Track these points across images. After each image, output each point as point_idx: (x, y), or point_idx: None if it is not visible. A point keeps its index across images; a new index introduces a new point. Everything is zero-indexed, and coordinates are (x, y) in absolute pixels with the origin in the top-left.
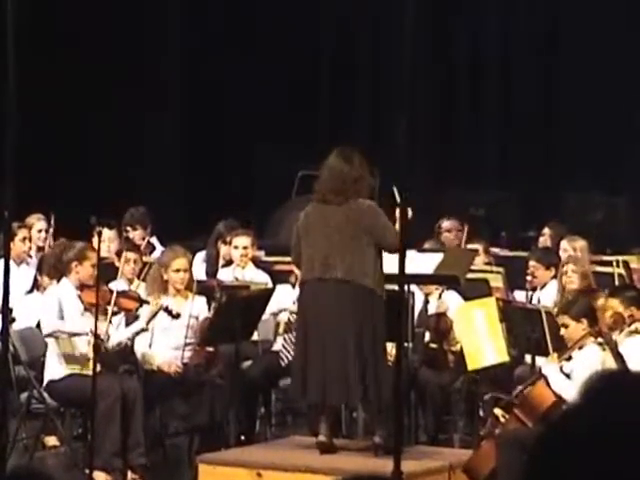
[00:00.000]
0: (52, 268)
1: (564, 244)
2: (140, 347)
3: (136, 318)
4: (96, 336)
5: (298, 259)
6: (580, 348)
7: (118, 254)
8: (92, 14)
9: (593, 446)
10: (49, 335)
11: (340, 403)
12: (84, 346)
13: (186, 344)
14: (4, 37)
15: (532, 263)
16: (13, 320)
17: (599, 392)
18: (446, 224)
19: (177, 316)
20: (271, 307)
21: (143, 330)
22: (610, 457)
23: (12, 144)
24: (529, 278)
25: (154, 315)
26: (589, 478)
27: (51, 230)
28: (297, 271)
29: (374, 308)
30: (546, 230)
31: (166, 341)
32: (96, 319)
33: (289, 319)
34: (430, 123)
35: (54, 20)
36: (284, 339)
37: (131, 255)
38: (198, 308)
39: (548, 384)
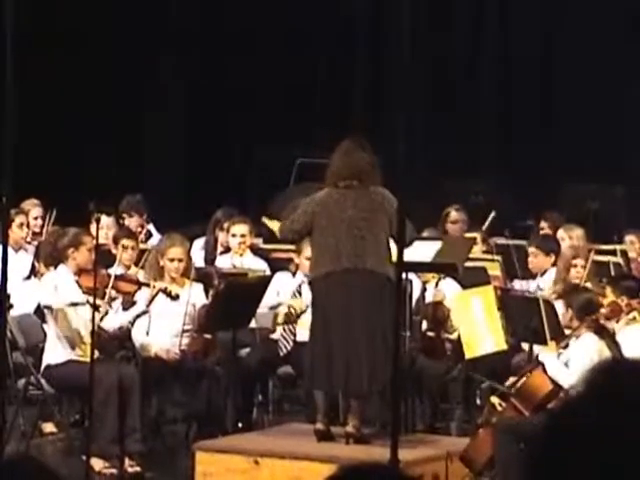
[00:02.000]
0: (49, 256)
1: (561, 233)
2: (138, 335)
3: (133, 304)
4: (93, 322)
5: (299, 238)
6: (577, 337)
7: (115, 241)
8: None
9: (596, 436)
10: (47, 307)
11: (366, 392)
12: (81, 326)
13: (184, 331)
14: (3, 34)
15: (532, 250)
16: (11, 306)
17: (602, 381)
18: (454, 215)
19: (176, 297)
20: (270, 298)
21: (144, 312)
22: (613, 447)
23: (11, 132)
24: (531, 266)
25: (154, 297)
26: (592, 468)
27: (47, 217)
28: (297, 259)
29: (391, 297)
30: (543, 224)
31: (163, 328)
32: (94, 302)
33: (289, 311)
34: (429, 112)
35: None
36: (283, 329)
37: (128, 242)
38: (195, 295)
39: (545, 372)
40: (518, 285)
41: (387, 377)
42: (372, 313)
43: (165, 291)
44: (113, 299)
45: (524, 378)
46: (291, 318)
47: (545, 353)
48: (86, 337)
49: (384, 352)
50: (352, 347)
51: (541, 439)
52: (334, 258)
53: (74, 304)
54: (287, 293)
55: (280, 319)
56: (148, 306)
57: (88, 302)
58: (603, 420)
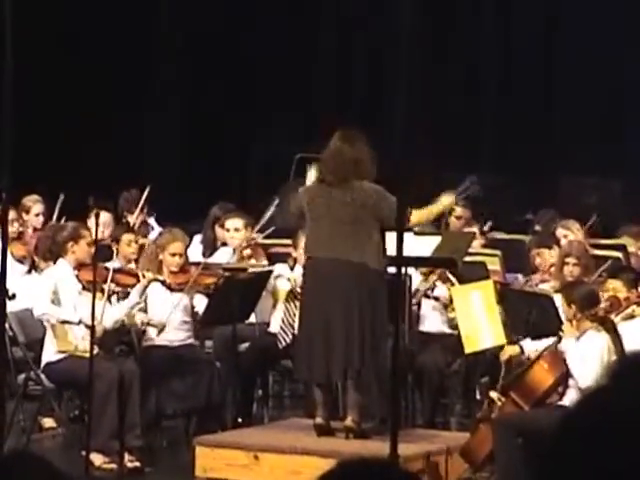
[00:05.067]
0: (47, 251)
1: (560, 230)
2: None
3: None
4: (93, 317)
5: (297, 222)
6: (582, 333)
7: (115, 239)
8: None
9: (616, 431)
10: (39, 319)
11: (342, 380)
12: (78, 332)
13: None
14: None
15: (535, 251)
16: (14, 296)
17: (624, 376)
18: (459, 211)
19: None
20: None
21: (137, 304)
22: (633, 442)
23: (10, 126)
24: (539, 267)
25: (146, 287)
26: (607, 468)
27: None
28: (294, 253)
29: (377, 288)
30: (537, 227)
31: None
32: (94, 297)
33: (291, 289)
34: (427, 106)
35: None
36: (283, 314)
37: (129, 237)
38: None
39: (549, 365)
40: (511, 277)
41: (367, 366)
42: (349, 302)
43: (164, 283)
44: (113, 293)
45: (524, 372)
46: (294, 295)
47: (567, 341)
48: (86, 345)
49: (362, 341)
50: (330, 335)
51: (561, 432)
52: (315, 246)
53: (65, 322)
54: (285, 282)
55: (282, 297)
56: (141, 297)
57: (81, 322)
58: (624, 414)
